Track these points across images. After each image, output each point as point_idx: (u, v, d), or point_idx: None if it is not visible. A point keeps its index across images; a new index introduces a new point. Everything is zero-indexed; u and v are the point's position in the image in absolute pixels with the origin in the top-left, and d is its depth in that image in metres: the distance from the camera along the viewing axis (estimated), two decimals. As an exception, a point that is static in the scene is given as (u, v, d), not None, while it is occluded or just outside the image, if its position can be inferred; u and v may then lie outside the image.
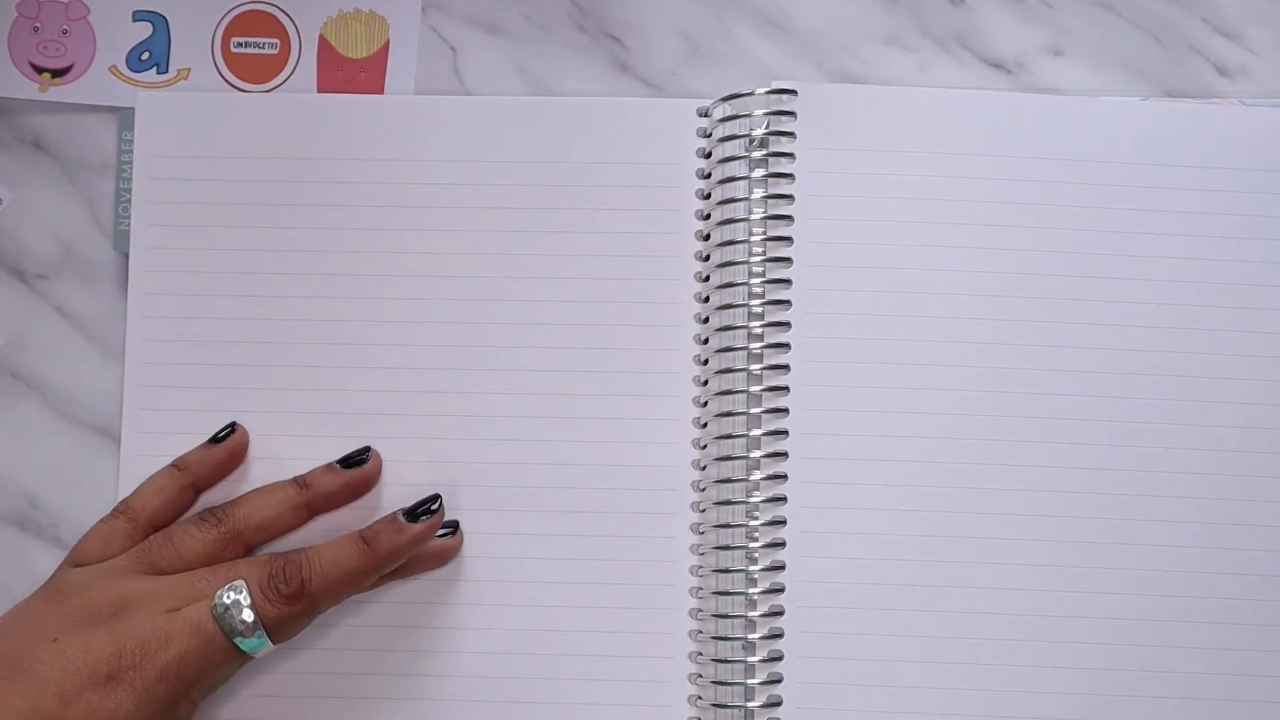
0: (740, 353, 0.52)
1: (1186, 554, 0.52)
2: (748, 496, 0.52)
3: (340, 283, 0.54)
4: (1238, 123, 0.54)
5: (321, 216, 0.54)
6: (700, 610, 0.52)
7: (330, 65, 0.56)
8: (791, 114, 0.53)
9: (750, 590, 0.51)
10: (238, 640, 0.47)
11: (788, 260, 0.53)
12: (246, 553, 0.51)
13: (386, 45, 0.57)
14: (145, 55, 0.56)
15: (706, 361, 0.53)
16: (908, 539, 0.52)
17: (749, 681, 0.51)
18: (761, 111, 0.54)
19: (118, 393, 0.54)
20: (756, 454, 0.52)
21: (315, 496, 0.52)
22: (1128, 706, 0.51)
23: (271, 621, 0.48)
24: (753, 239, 0.53)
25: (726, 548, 0.51)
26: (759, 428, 0.52)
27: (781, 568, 0.51)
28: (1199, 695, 0.51)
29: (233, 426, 0.53)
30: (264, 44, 0.56)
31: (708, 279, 0.53)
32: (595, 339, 0.53)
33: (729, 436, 0.52)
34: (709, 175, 0.54)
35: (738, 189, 0.53)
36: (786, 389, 0.52)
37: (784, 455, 0.52)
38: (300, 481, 0.52)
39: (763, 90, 0.54)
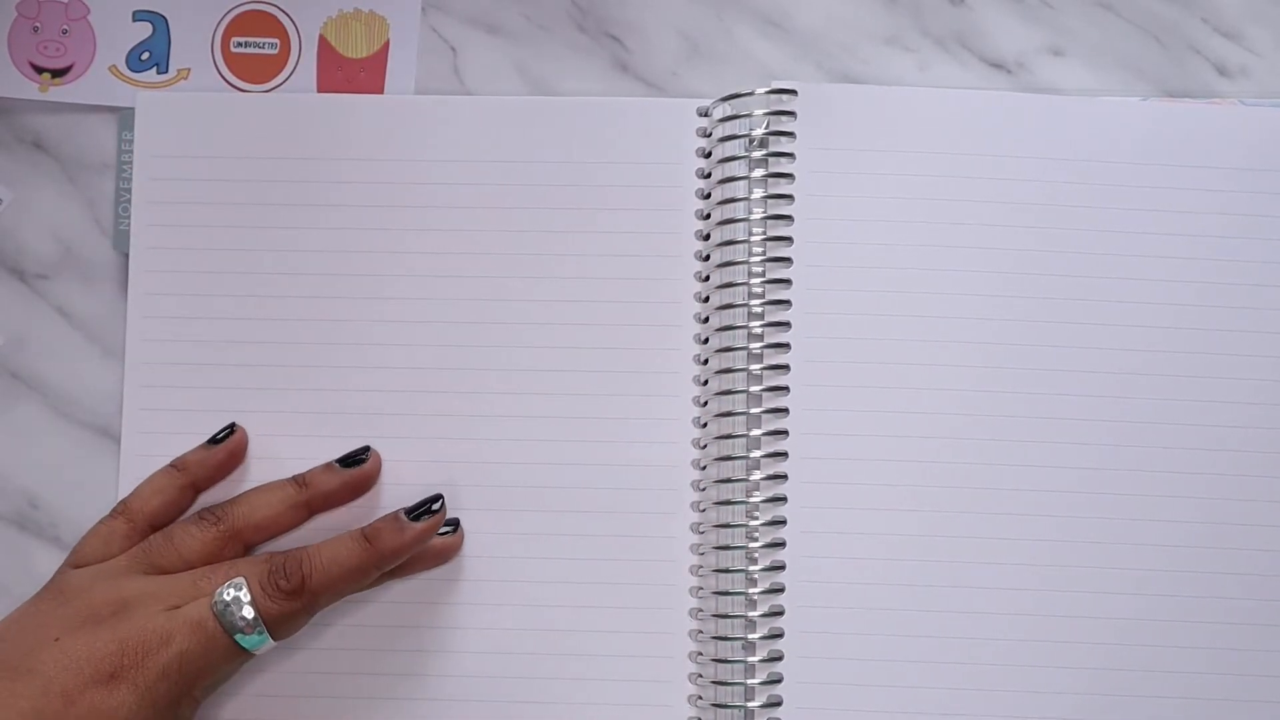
0: (740, 353, 0.52)
1: (1187, 554, 0.52)
2: (748, 496, 0.52)
3: (340, 283, 0.54)
4: (1238, 123, 0.54)
5: (321, 216, 0.54)
6: (700, 610, 0.52)
7: (330, 65, 0.56)
8: (791, 114, 0.53)
9: (750, 590, 0.51)
10: (238, 637, 0.47)
11: (787, 260, 0.53)
12: (246, 551, 0.51)
13: (386, 45, 0.57)
14: (145, 55, 0.56)
15: (706, 361, 0.53)
16: (908, 539, 0.52)
17: (749, 681, 0.51)
18: (761, 111, 0.54)
19: (118, 393, 0.54)
20: (756, 454, 0.52)
21: (314, 495, 0.52)
22: (1128, 706, 0.51)
23: (272, 618, 0.48)
24: (752, 239, 0.53)
25: (726, 548, 0.51)
26: (759, 428, 0.52)
27: (781, 568, 0.51)
28: (1199, 695, 0.51)
29: (232, 428, 0.53)
30: (264, 44, 0.56)
31: (708, 279, 0.53)
32: (595, 339, 0.53)
33: (729, 436, 0.52)
34: (709, 175, 0.54)
35: (737, 189, 0.53)
36: (786, 389, 0.52)
37: (784, 455, 0.52)
38: (299, 480, 0.52)
39: (763, 90, 0.54)
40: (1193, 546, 0.52)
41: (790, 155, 0.53)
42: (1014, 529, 0.52)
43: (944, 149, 0.54)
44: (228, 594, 0.48)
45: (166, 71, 0.56)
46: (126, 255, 0.54)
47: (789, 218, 0.53)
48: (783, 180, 0.53)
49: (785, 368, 0.52)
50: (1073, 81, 0.56)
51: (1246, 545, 0.52)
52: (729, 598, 0.51)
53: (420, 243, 0.54)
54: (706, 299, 0.53)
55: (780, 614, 0.51)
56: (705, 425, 0.53)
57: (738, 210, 0.53)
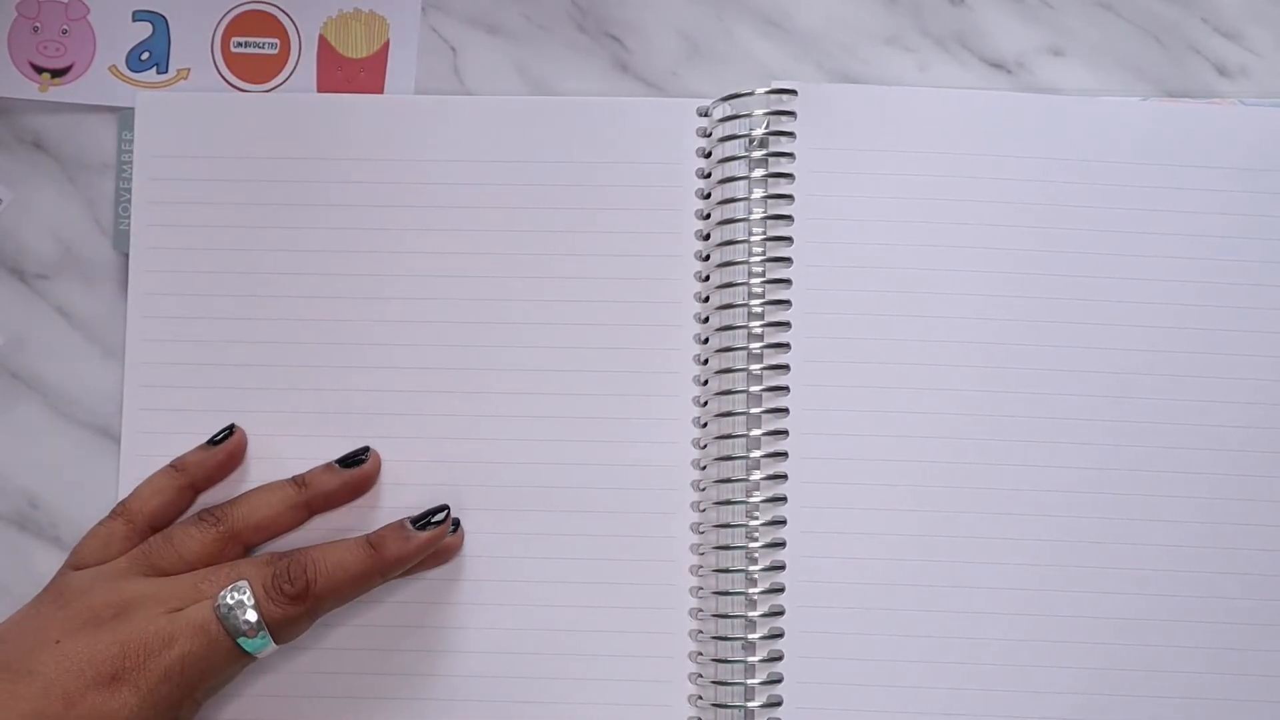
0: (740, 352, 0.52)
1: (1187, 553, 0.52)
2: (747, 496, 0.52)
3: (341, 282, 0.54)
4: (1238, 123, 0.54)
5: (322, 216, 0.54)
6: (700, 610, 0.52)
7: (330, 65, 0.56)
8: (791, 114, 0.53)
9: (750, 590, 0.51)
10: (241, 640, 0.47)
11: (788, 260, 0.53)
12: (245, 552, 0.51)
13: (386, 45, 0.57)
14: (145, 55, 0.56)
15: (707, 361, 0.53)
16: (908, 539, 0.52)
17: (749, 681, 0.51)
18: (761, 111, 0.54)
19: (118, 393, 0.54)
20: (756, 454, 0.52)
21: (314, 496, 0.52)
22: (1128, 706, 0.51)
23: (275, 622, 0.48)
24: (752, 239, 0.53)
25: (726, 548, 0.51)
26: (759, 428, 0.52)
27: (781, 568, 0.51)
28: (1200, 695, 0.51)
29: (231, 429, 0.53)
30: (264, 44, 0.56)
31: (708, 279, 0.53)
32: (595, 338, 0.53)
33: (729, 436, 0.52)
34: (709, 175, 0.54)
35: (737, 189, 0.53)
36: (786, 389, 0.52)
37: (784, 455, 0.52)
38: (299, 481, 0.52)
39: (763, 90, 0.54)
40: (1193, 546, 0.52)
41: (790, 155, 0.53)
42: (1014, 529, 0.52)
43: (944, 149, 0.54)
44: (231, 597, 0.48)
45: (166, 71, 0.56)
46: (126, 255, 0.54)
47: (789, 218, 0.53)
48: (783, 180, 0.53)
49: (785, 368, 0.52)
50: (1073, 81, 0.56)
51: (1247, 545, 0.52)
52: (729, 598, 0.51)
53: (421, 242, 0.54)
54: (706, 299, 0.53)
55: (780, 614, 0.51)
56: (705, 425, 0.53)
57: (738, 210, 0.53)
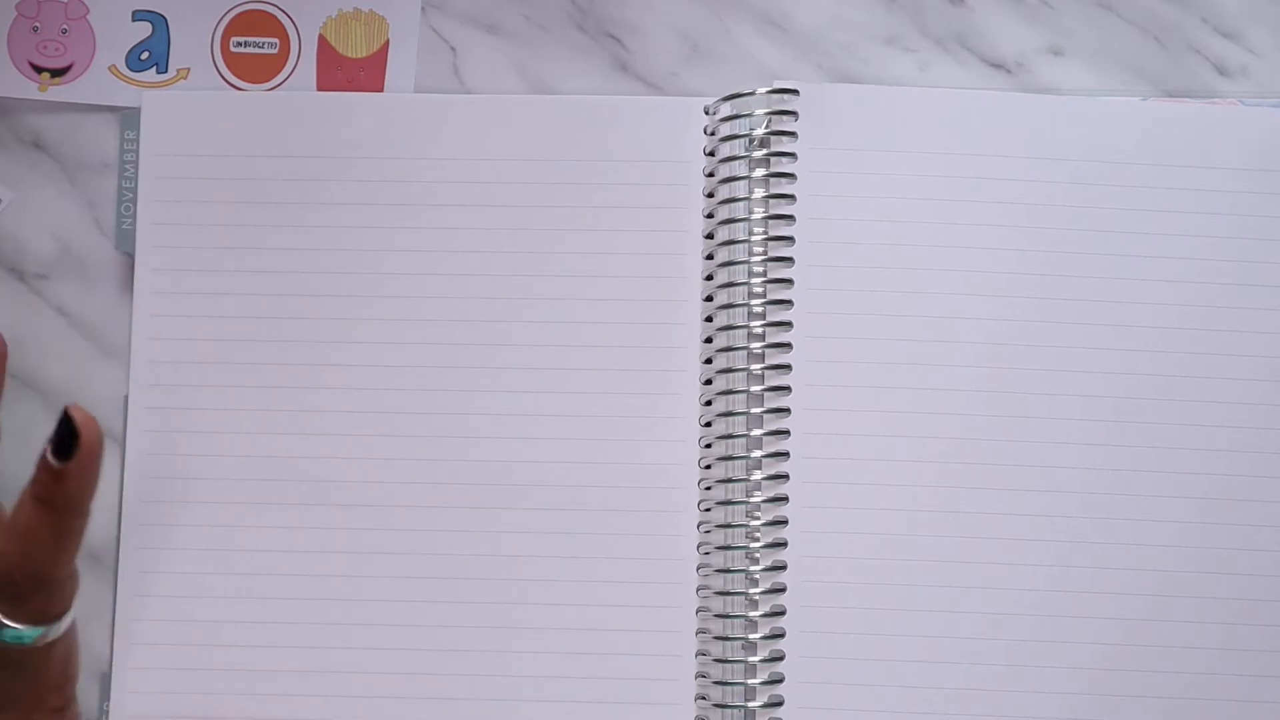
0: (741, 352, 0.52)
1: (1188, 554, 0.52)
2: (749, 496, 0.52)
3: (343, 281, 0.54)
4: (1238, 123, 0.54)
5: (325, 215, 0.54)
6: (703, 609, 0.52)
7: (330, 65, 0.56)
8: (793, 114, 0.53)
9: (751, 590, 0.51)
10: (5, 636, 0.42)
11: (789, 260, 0.53)
12: None
13: (386, 45, 0.56)
14: (145, 55, 0.56)
15: (710, 360, 0.53)
16: (909, 539, 0.52)
17: (750, 681, 0.51)
18: (763, 111, 0.54)
19: (118, 393, 0.54)
20: (758, 454, 0.52)
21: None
22: (1129, 706, 0.51)
23: (13, 614, 0.42)
24: (754, 239, 0.53)
25: (728, 547, 0.51)
26: (760, 427, 0.52)
27: (783, 567, 0.51)
28: (1201, 696, 0.52)
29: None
30: (264, 44, 0.56)
31: (710, 278, 0.53)
32: (598, 337, 0.53)
33: (731, 436, 0.52)
34: (712, 174, 0.54)
35: (739, 189, 0.53)
36: (788, 389, 0.52)
37: (785, 455, 0.52)
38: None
39: (764, 90, 0.54)
40: (1194, 546, 0.52)
41: (792, 155, 0.53)
42: (1015, 529, 0.52)
43: (945, 149, 0.54)
44: None
45: (166, 71, 0.56)
46: (128, 255, 0.54)
47: (790, 217, 0.53)
48: (784, 180, 0.53)
49: (787, 367, 0.52)
50: (1073, 81, 0.56)
51: (1248, 546, 0.52)
52: (731, 597, 0.51)
53: (424, 241, 0.54)
54: (710, 298, 0.53)
55: (782, 614, 0.51)
56: (709, 424, 0.53)
57: (739, 210, 0.53)
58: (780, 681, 0.51)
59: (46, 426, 0.54)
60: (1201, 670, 0.52)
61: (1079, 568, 0.52)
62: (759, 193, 0.53)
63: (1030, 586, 0.52)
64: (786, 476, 0.52)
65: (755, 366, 0.52)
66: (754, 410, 0.52)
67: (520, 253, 0.54)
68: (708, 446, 0.53)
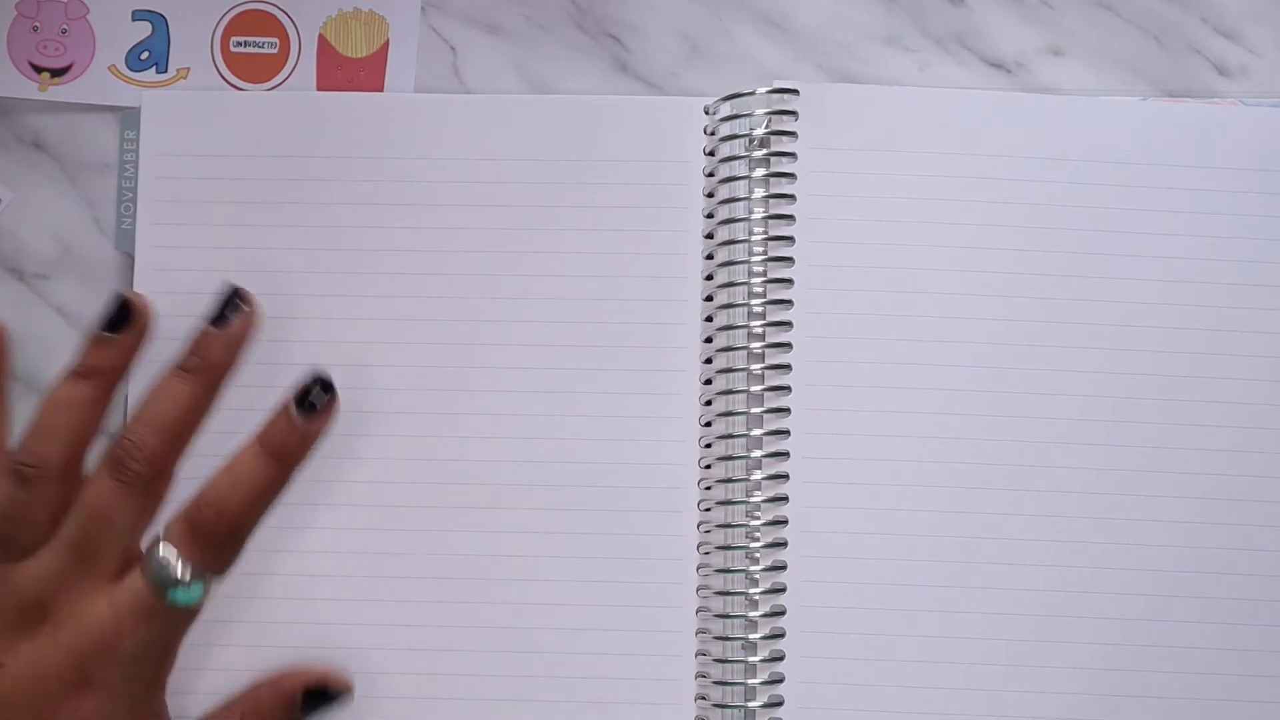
0: (741, 352, 0.52)
1: (1189, 553, 0.52)
2: (749, 496, 0.52)
3: (346, 281, 0.54)
4: (1238, 123, 0.54)
5: (326, 214, 0.54)
6: (703, 609, 0.52)
7: (330, 65, 0.56)
8: (793, 114, 0.53)
9: (751, 590, 0.51)
10: (178, 596, 0.43)
11: (789, 260, 0.53)
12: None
13: (386, 45, 0.56)
14: (145, 55, 0.56)
15: (711, 360, 0.53)
16: (909, 539, 0.52)
17: (750, 681, 0.51)
18: (763, 111, 0.54)
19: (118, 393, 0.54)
20: (758, 454, 0.52)
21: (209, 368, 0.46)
22: (1129, 706, 0.51)
23: (205, 564, 0.43)
24: (754, 239, 0.53)
25: (728, 547, 0.51)
26: (760, 427, 0.52)
27: (783, 567, 0.51)
28: (1202, 695, 0.52)
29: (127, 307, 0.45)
30: (263, 44, 0.56)
31: (711, 278, 0.53)
32: (598, 337, 0.53)
33: (731, 436, 0.52)
34: (711, 174, 0.54)
35: (739, 188, 0.53)
36: (788, 389, 0.52)
37: (785, 455, 0.52)
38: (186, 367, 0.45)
39: (764, 90, 0.54)
40: (1195, 546, 0.52)
41: (792, 155, 0.53)
42: (1016, 529, 0.52)
43: (945, 149, 0.54)
44: (153, 561, 0.43)
45: (166, 71, 0.56)
46: (128, 255, 0.54)
47: (790, 217, 0.53)
48: (784, 180, 0.53)
49: (787, 367, 0.52)
50: (1073, 81, 0.56)
51: (1249, 546, 0.52)
52: (731, 597, 0.51)
53: (422, 241, 0.54)
54: (710, 298, 0.53)
55: (782, 614, 0.51)
56: (709, 424, 0.53)
57: (739, 210, 0.53)
58: (780, 681, 0.51)
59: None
60: (1202, 670, 0.52)
61: (1079, 567, 0.52)
62: (759, 192, 0.53)
63: (1030, 586, 0.52)
64: (786, 476, 0.52)
65: (755, 366, 0.52)
66: (754, 410, 0.52)
67: (520, 252, 0.54)
68: (708, 446, 0.53)
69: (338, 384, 0.46)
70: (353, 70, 0.56)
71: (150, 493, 0.44)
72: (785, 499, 0.52)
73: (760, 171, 0.53)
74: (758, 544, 0.52)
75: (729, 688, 0.51)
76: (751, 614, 0.51)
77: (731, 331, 0.53)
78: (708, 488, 0.52)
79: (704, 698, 0.51)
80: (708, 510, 0.52)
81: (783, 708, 0.51)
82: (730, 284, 0.52)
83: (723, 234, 0.53)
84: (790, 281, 0.53)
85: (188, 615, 0.44)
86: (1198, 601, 0.52)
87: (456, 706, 0.52)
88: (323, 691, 0.46)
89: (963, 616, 0.52)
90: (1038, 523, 0.52)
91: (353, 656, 0.52)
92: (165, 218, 0.54)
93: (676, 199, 0.54)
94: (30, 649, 0.42)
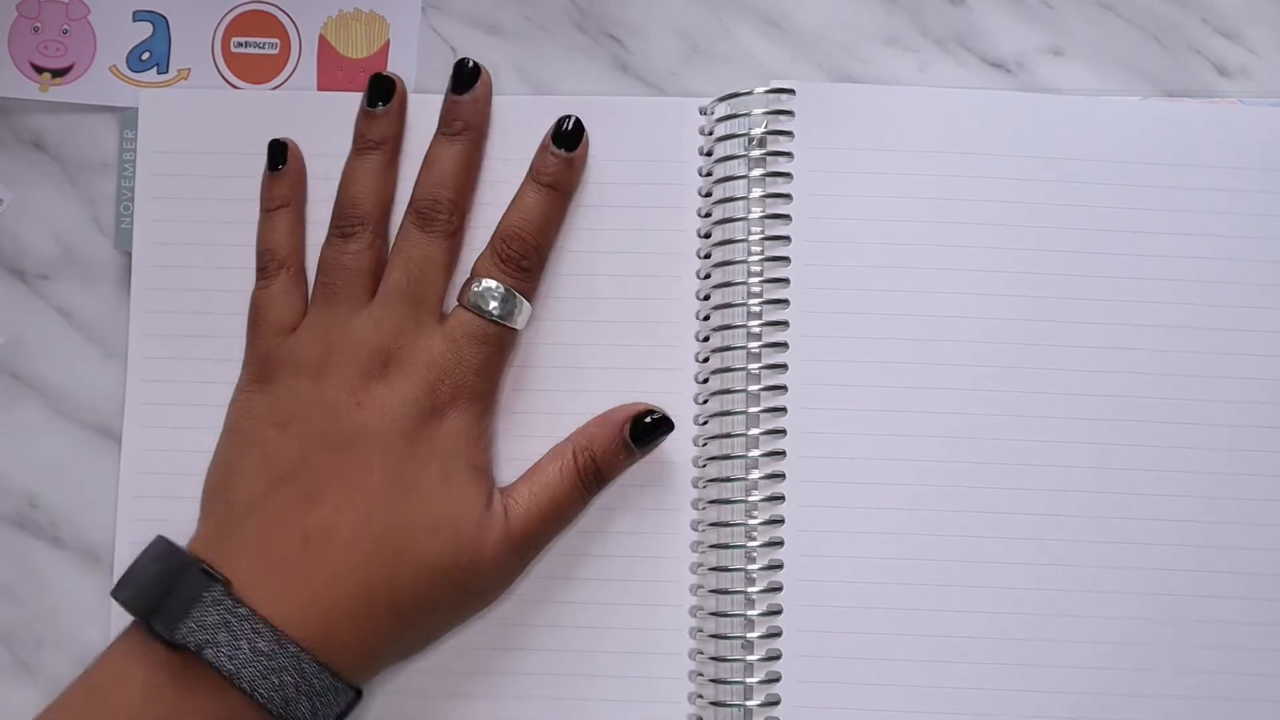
0: (738, 352, 0.52)
1: (1189, 553, 0.52)
2: (746, 495, 0.52)
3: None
4: (1238, 122, 0.54)
5: (326, 214, 0.54)
6: (699, 608, 0.52)
7: (330, 65, 0.56)
8: (790, 113, 0.53)
9: (749, 589, 0.51)
10: (502, 314, 0.50)
11: (785, 260, 0.53)
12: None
13: (386, 45, 0.57)
14: (145, 55, 0.56)
15: (706, 360, 0.53)
16: (906, 538, 0.52)
17: (748, 680, 0.51)
18: (760, 111, 0.54)
19: (118, 393, 0.54)
20: (755, 453, 0.52)
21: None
22: (1130, 706, 0.51)
23: (520, 288, 0.51)
24: (751, 238, 0.53)
25: (724, 546, 0.51)
26: (757, 427, 0.52)
27: (780, 567, 0.51)
28: (1201, 695, 0.51)
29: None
30: (264, 44, 0.57)
31: (707, 277, 0.53)
32: (595, 336, 0.53)
33: (727, 435, 0.52)
34: (709, 174, 0.54)
35: (736, 188, 0.53)
36: (785, 388, 0.52)
37: (782, 454, 0.52)
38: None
39: (761, 90, 0.54)
40: (1195, 545, 0.52)
41: (789, 155, 0.53)
42: (1014, 528, 0.52)
43: (943, 148, 0.53)
44: (473, 290, 0.50)
45: (167, 72, 0.56)
46: (128, 254, 0.54)
47: (787, 217, 0.53)
48: (781, 180, 0.53)
49: (784, 367, 0.52)
50: (1073, 81, 0.56)
51: (1250, 544, 0.52)
52: (727, 596, 0.51)
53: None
54: (706, 298, 0.53)
55: (778, 613, 0.51)
56: (705, 423, 0.53)
57: (736, 210, 0.53)
58: (778, 680, 0.51)
59: (47, 426, 0.54)
60: (1202, 669, 0.51)
61: (1076, 567, 0.52)
62: (756, 192, 0.53)
63: (1028, 585, 0.52)
64: (783, 476, 0.52)
65: (752, 366, 0.52)
66: (750, 410, 0.52)
67: (519, 252, 0.54)
68: (703, 445, 0.53)
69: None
70: (353, 71, 0.56)
71: (453, 241, 0.52)
72: (782, 498, 0.52)
73: (758, 171, 0.53)
74: (755, 543, 0.51)
75: (726, 686, 0.51)
76: (749, 613, 0.51)
77: (728, 331, 0.53)
78: (703, 487, 0.52)
79: (700, 696, 0.51)
80: (703, 509, 0.52)
81: (780, 707, 0.51)
82: (727, 284, 0.52)
83: (719, 234, 0.53)
84: (787, 281, 0.53)
85: (512, 336, 0.51)
86: (1198, 600, 0.52)
87: (451, 705, 0.52)
88: (649, 420, 0.51)
89: (960, 616, 0.51)
90: (1036, 522, 0.52)
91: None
92: (163, 216, 0.54)
93: (673, 199, 0.54)
94: (383, 388, 0.49)
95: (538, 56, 0.57)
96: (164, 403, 0.53)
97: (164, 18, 0.57)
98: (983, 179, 0.53)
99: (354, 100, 0.54)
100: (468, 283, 0.51)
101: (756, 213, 0.53)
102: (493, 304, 0.50)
